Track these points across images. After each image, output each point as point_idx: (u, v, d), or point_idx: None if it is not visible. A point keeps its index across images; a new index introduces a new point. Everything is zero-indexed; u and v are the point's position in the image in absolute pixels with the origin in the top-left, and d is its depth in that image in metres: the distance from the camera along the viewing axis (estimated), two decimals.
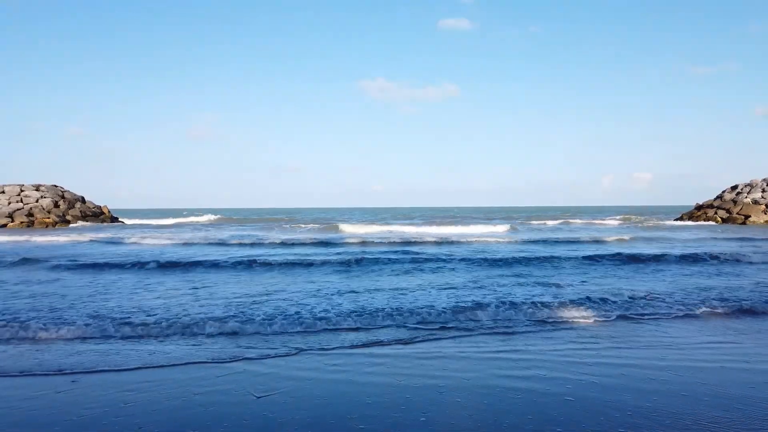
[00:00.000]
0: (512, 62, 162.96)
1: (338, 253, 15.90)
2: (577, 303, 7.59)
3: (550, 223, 39.58)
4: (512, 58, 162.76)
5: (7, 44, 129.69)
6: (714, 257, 13.55)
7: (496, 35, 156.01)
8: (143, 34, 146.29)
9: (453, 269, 12.06)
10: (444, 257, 14.16)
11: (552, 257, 13.93)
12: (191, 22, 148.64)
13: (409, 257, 14.22)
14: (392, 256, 14.30)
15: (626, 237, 21.84)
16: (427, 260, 13.58)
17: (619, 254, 14.16)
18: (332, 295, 8.55)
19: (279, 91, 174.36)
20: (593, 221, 41.79)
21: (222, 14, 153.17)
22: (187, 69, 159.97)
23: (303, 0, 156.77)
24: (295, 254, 15.91)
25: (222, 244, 20.10)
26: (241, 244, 19.79)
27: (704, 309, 7.36)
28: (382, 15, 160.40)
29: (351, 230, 28.86)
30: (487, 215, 59.15)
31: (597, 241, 20.44)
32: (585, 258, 13.73)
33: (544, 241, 20.38)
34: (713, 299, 7.97)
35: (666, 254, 13.98)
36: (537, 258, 13.80)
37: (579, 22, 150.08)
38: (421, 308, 7.19)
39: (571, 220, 42.52)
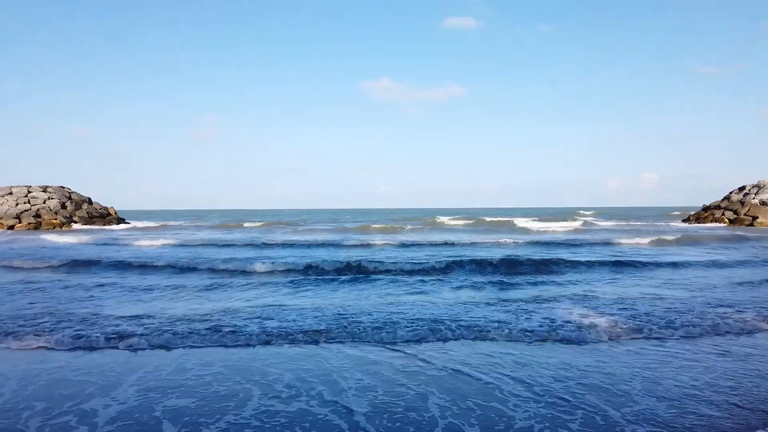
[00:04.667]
0: (517, 62, 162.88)
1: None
2: None
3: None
4: (517, 58, 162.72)
5: (12, 45, 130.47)
6: None
7: (501, 35, 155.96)
8: (148, 36, 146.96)
9: None
10: None
11: None
12: (196, 23, 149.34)
13: None
14: None
15: None
16: None
17: None
18: None
19: (283, 92, 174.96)
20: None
21: (226, 15, 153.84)
22: (193, 70, 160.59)
23: (307, 0, 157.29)
24: None
25: None
26: None
27: None
28: (386, 14, 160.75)
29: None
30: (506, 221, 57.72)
31: None
32: None
33: None
34: None
35: None
36: None
37: (586, 22, 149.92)
38: None
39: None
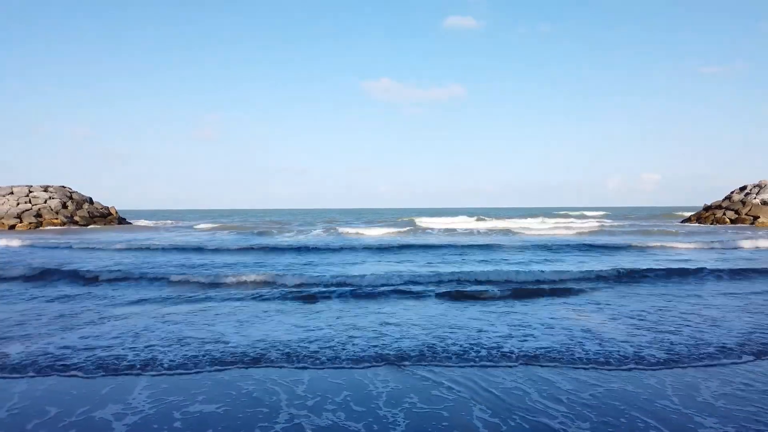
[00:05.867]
0: (518, 61, 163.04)
1: None
2: None
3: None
4: (518, 58, 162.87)
5: (13, 45, 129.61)
6: None
7: (502, 34, 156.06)
8: (149, 36, 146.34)
9: None
10: None
11: None
12: (197, 23, 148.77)
13: None
14: None
15: None
16: None
17: None
18: None
19: (284, 92, 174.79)
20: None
21: (226, 15, 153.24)
22: (193, 70, 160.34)
23: (308, 0, 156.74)
24: None
25: None
26: None
27: None
28: (387, 14, 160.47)
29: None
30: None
31: None
32: None
33: None
34: None
35: None
36: None
37: (586, 22, 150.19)
38: None
39: None
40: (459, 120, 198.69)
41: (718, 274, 11.68)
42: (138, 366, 5.28)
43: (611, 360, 5.42)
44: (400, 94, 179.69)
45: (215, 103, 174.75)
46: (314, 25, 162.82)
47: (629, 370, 5.14)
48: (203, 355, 5.63)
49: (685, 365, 5.25)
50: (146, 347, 5.94)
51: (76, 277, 11.60)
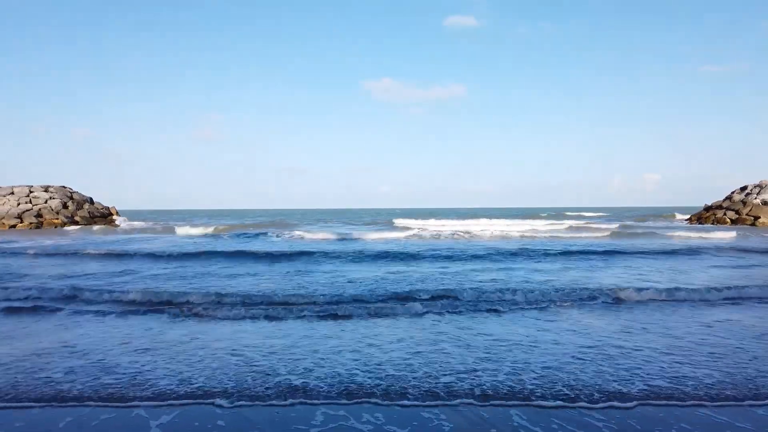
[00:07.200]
0: (519, 61, 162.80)
1: None
2: None
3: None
4: (518, 57, 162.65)
5: (13, 45, 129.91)
6: None
7: (503, 34, 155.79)
8: (149, 36, 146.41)
9: None
10: None
11: None
12: (197, 23, 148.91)
13: None
14: None
15: None
16: None
17: None
18: None
19: (284, 92, 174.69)
20: None
21: (227, 15, 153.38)
22: (193, 69, 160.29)
23: (308, 0, 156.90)
24: None
25: None
26: None
27: None
28: (387, 13, 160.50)
29: None
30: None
31: None
32: None
33: None
34: None
35: None
36: None
37: (587, 21, 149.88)
38: None
39: None
40: (460, 120, 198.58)
41: None
42: None
43: None
44: (401, 94, 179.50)
45: (215, 103, 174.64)
46: (315, 25, 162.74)
47: None
48: None
49: None
50: None
51: None
